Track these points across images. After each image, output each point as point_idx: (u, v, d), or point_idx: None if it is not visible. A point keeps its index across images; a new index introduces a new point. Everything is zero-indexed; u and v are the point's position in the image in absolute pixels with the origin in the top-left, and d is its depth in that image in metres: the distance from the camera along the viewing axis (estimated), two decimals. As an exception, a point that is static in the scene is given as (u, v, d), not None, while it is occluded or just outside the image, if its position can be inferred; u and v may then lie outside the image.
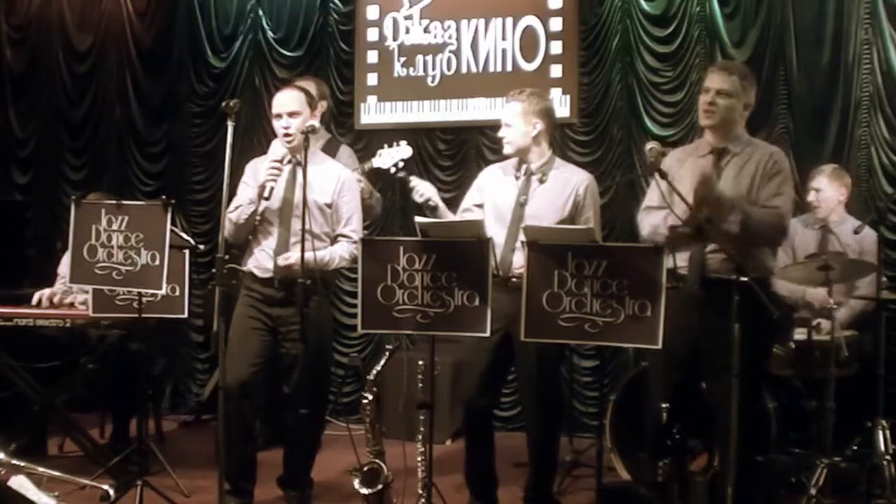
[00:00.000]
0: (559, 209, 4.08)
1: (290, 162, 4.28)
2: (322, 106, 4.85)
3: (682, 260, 3.82)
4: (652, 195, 3.98)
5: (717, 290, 3.63)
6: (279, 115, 4.25)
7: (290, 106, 4.24)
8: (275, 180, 4.17)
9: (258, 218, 4.28)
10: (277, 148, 4.29)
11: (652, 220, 3.92)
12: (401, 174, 4.47)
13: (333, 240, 4.32)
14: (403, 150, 4.98)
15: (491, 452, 4.24)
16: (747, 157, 3.84)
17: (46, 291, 5.09)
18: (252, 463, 4.38)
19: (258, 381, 4.35)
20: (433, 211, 4.16)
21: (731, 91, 3.82)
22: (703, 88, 3.90)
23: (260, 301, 4.29)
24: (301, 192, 4.06)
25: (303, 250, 3.86)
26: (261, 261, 4.29)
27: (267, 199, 4.18)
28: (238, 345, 4.25)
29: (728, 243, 3.66)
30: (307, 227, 4.09)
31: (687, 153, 4.02)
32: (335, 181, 4.32)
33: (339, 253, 4.27)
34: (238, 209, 4.26)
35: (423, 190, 4.18)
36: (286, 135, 4.22)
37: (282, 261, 4.17)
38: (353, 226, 4.34)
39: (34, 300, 5.06)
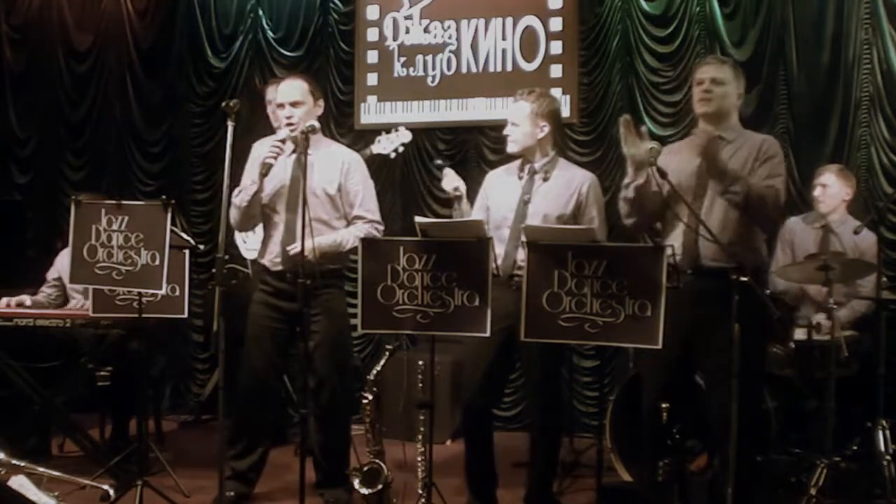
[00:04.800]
0: (561, 206, 4.08)
1: (293, 152, 4.30)
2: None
3: (676, 248, 3.81)
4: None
5: (711, 283, 3.65)
6: (282, 105, 4.28)
7: (293, 96, 4.27)
8: (275, 157, 4.16)
9: (267, 208, 4.27)
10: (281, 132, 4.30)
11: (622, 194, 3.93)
12: (439, 161, 4.54)
13: (349, 224, 4.32)
14: (403, 135, 4.99)
15: (491, 452, 4.23)
16: (740, 144, 3.85)
17: (13, 300, 5.07)
18: (263, 457, 4.45)
19: (276, 378, 4.45)
20: (458, 200, 4.14)
21: (724, 79, 3.84)
22: (696, 80, 3.91)
23: (274, 296, 4.31)
24: (308, 180, 4.09)
25: (303, 249, 3.86)
26: (272, 253, 4.31)
27: (264, 175, 4.17)
28: (256, 343, 4.29)
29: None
30: (316, 215, 4.15)
31: (680, 146, 4.01)
32: (339, 165, 4.32)
33: (353, 233, 4.25)
34: (241, 192, 4.28)
35: (454, 179, 4.16)
36: (289, 124, 4.24)
37: (290, 250, 4.18)
38: (367, 206, 4.35)
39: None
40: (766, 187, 3.74)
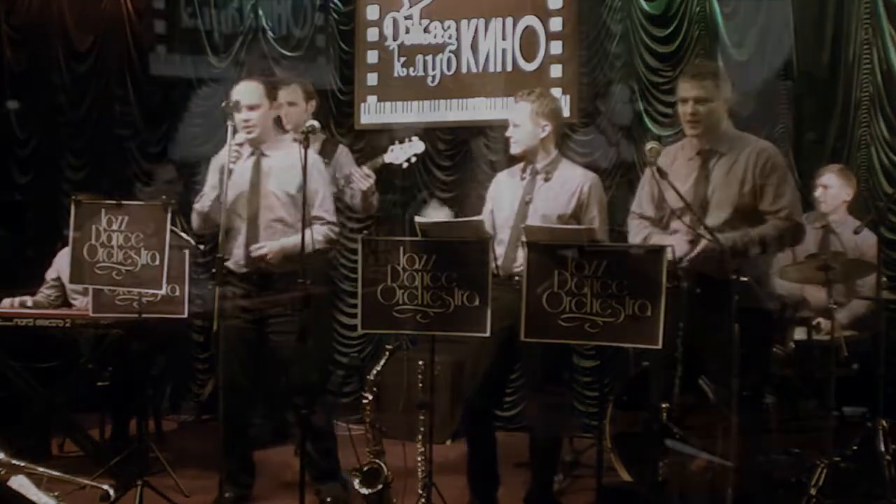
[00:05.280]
0: (562, 206, 4.09)
1: (252, 154, 4.31)
2: (312, 105, 4.86)
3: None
4: (640, 199, 3.98)
5: (711, 288, 3.64)
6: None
7: (250, 98, 4.25)
8: (234, 161, 4.18)
9: (232, 211, 4.25)
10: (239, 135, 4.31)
11: (635, 233, 3.94)
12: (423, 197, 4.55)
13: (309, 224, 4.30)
14: (416, 146, 4.98)
15: (492, 453, 4.23)
16: (735, 156, 3.80)
17: (16, 301, 5.08)
18: (249, 459, 4.46)
19: (253, 379, 4.41)
20: None
21: (707, 96, 3.78)
22: (679, 98, 3.86)
23: (241, 298, 4.30)
24: (267, 182, 4.21)
25: (303, 245, 3.86)
26: (236, 256, 4.30)
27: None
28: (229, 345, 4.27)
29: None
30: (277, 216, 4.20)
31: (674, 152, 3.98)
32: (299, 166, 4.27)
33: (312, 235, 4.18)
34: (202, 197, 4.32)
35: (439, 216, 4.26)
36: (246, 126, 4.23)
37: (254, 251, 4.19)
38: (325, 206, 4.33)
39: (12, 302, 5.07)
40: (778, 221, 3.72)
